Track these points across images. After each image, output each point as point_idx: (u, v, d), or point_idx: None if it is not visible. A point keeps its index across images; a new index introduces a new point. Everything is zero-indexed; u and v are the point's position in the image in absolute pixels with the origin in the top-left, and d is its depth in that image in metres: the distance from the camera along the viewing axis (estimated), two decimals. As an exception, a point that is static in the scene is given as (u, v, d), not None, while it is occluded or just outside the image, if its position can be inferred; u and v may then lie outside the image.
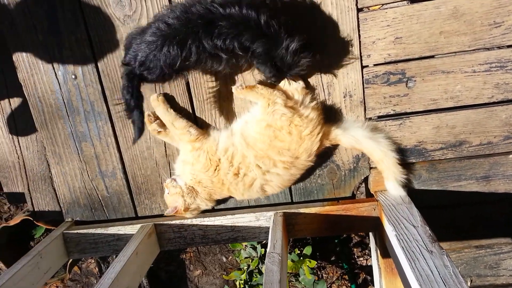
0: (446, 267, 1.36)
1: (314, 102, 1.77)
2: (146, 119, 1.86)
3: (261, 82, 1.79)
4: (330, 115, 1.83)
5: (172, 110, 1.82)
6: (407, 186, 1.88)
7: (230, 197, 1.97)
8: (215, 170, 1.79)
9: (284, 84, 1.72)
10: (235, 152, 1.77)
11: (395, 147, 1.82)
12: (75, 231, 2.05)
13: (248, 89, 1.73)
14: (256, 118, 1.74)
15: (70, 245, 2.07)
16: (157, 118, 1.88)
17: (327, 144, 1.80)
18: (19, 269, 1.72)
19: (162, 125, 1.88)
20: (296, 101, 1.73)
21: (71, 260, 2.31)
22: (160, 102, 1.83)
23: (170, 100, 1.87)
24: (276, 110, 1.68)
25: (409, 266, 1.39)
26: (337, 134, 1.77)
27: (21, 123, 2.16)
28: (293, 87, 1.73)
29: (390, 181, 1.81)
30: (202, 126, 1.90)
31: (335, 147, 1.87)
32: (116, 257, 1.77)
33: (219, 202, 2.01)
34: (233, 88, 1.76)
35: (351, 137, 1.77)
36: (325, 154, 1.89)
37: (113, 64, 1.87)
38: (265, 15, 1.43)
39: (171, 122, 1.82)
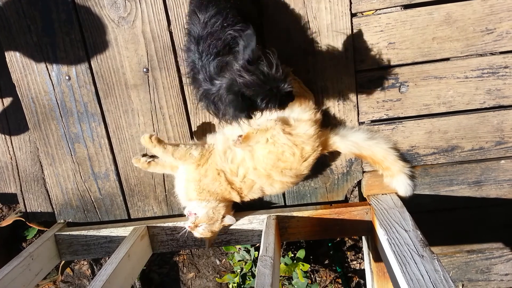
0: (436, 272, 1.36)
1: (316, 116, 1.73)
2: (134, 161, 1.90)
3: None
4: (324, 119, 1.83)
5: (169, 146, 1.74)
6: (415, 178, 1.89)
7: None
8: (219, 175, 1.77)
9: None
10: (233, 155, 1.75)
11: (392, 145, 1.84)
12: (67, 233, 2.04)
13: (246, 139, 1.67)
14: (259, 145, 1.71)
15: (62, 247, 2.06)
16: (143, 155, 1.91)
17: (324, 153, 1.81)
18: (9, 270, 1.71)
19: (149, 157, 1.89)
20: (292, 125, 1.69)
21: (63, 261, 2.30)
22: (156, 142, 1.74)
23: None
24: (276, 140, 1.67)
25: (400, 270, 1.40)
26: (335, 142, 1.78)
27: (14, 123, 2.15)
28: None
29: (398, 175, 1.80)
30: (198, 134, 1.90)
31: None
32: (108, 259, 1.76)
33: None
34: (232, 145, 1.72)
35: (350, 142, 1.78)
36: (318, 159, 1.89)
37: (107, 65, 1.87)
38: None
39: (171, 155, 1.75)
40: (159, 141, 1.75)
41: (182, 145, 1.77)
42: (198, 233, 1.79)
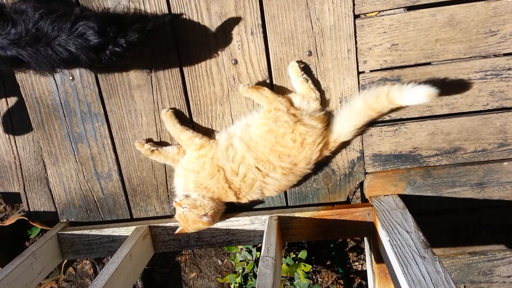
0: (438, 273, 1.36)
1: (322, 112, 1.78)
2: (137, 144, 1.93)
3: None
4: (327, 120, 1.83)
5: (178, 124, 1.86)
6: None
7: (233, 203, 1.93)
8: (218, 172, 1.79)
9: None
10: (234, 152, 1.78)
11: (375, 87, 1.76)
12: (70, 232, 2.05)
13: (254, 89, 1.76)
14: (258, 122, 1.75)
15: (65, 246, 2.07)
16: (147, 141, 1.95)
17: (326, 154, 1.82)
18: (12, 269, 1.72)
19: (154, 145, 1.93)
20: (300, 109, 1.74)
21: (66, 260, 2.31)
22: (168, 117, 1.87)
23: (177, 115, 1.90)
24: (279, 116, 1.70)
25: (401, 271, 1.40)
26: (335, 140, 1.79)
27: (18, 123, 2.16)
28: (300, 96, 1.76)
29: (406, 97, 1.64)
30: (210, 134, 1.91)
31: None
32: (110, 258, 1.77)
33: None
34: (240, 86, 1.79)
35: (347, 128, 1.76)
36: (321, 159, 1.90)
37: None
38: None
39: (178, 135, 1.87)
40: (171, 117, 1.87)
41: (190, 130, 1.85)
42: (178, 212, 1.82)
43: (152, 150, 1.91)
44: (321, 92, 1.80)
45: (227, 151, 1.78)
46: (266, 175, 1.77)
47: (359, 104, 1.73)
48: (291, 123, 1.70)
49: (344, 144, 1.87)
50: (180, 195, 1.83)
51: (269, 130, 1.71)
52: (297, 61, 1.77)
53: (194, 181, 1.82)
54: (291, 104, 1.74)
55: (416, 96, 1.62)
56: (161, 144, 1.97)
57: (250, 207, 2.00)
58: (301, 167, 1.77)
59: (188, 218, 1.78)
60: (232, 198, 1.84)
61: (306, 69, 1.78)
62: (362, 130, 1.82)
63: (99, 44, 1.44)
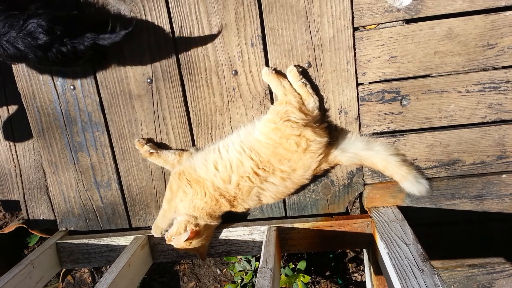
0: (436, 287, 1.36)
1: (324, 124, 1.82)
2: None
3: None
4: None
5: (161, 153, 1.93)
6: (426, 177, 1.85)
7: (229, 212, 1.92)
8: (203, 189, 1.81)
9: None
10: (223, 163, 1.77)
11: (393, 151, 1.82)
12: (69, 241, 2.05)
13: (275, 76, 1.77)
14: (266, 117, 1.75)
15: (63, 255, 2.06)
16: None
17: (325, 167, 1.82)
18: (10, 278, 1.72)
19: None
20: (311, 115, 1.76)
21: (64, 269, 2.30)
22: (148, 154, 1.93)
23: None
24: (288, 111, 1.70)
25: (400, 284, 1.39)
26: (336, 156, 1.78)
27: (19, 131, 2.17)
28: (312, 104, 1.78)
29: (404, 181, 1.78)
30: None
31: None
32: (109, 268, 1.77)
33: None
34: (264, 69, 1.80)
35: (351, 154, 1.78)
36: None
37: (111, 75, 1.89)
38: None
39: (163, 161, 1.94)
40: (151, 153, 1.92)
41: (161, 157, 1.93)
42: (174, 245, 1.84)
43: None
44: (320, 98, 1.81)
45: (207, 163, 1.80)
46: (265, 180, 1.76)
47: (380, 155, 1.78)
48: (300, 123, 1.69)
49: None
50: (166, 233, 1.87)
51: (276, 128, 1.70)
52: (295, 65, 1.78)
53: (183, 207, 1.85)
54: (303, 103, 1.76)
55: (411, 188, 1.79)
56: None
57: (259, 215, 2.03)
58: (299, 174, 1.76)
59: (183, 246, 1.81)
60: (226, 207, 1.83)
61: (304, 74, 1.79)
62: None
63: (46, 43, 1.46)
